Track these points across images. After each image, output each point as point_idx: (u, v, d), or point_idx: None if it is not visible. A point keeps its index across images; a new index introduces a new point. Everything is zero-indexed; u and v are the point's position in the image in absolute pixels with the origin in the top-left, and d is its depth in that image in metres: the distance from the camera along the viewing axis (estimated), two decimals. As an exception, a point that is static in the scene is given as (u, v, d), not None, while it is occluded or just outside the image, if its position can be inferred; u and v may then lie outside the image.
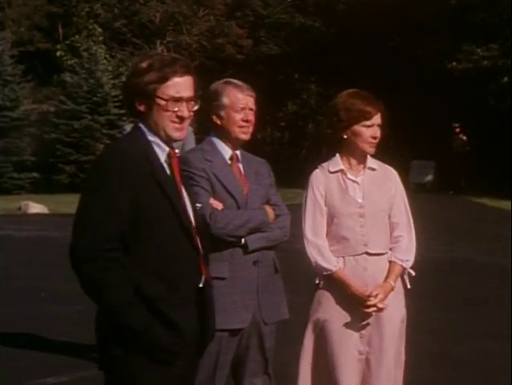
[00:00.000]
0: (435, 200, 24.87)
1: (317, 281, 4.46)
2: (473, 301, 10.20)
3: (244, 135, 4.29)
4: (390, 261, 4.50)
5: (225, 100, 4.25)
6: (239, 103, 4.25)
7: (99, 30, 37.20)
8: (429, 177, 31.15)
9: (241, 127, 4.27)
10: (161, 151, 3.30)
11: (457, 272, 12.44)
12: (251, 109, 4.30)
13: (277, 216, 4.35)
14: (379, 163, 4.62)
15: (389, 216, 4.53)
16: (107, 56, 34.72)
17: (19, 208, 22.93)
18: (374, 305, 4.36)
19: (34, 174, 30.60)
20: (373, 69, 32.45)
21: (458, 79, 30.85)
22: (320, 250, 4.43)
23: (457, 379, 6.81)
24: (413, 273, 4.55)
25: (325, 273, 4.42)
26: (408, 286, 4.55)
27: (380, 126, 4.51)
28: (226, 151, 4.32)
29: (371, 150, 4.52)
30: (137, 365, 3.18)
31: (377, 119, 4.48)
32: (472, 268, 13.00)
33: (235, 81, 4.35)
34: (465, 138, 30.92)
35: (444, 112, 32.22)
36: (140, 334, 3.12)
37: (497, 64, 30.17)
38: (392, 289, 4.42)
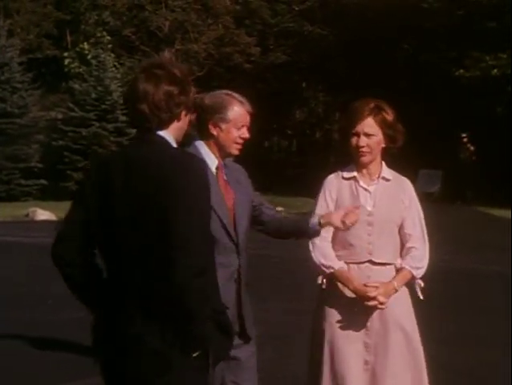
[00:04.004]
0: (442, 209, 24.83)
1: (319, 281, 4.46)
2: (476, 311, 10.19)
3: (237, 151, 4.33)
4: (398, 269, 4.47)
5: (230, 115, 4.24)
6: (241, 120, 4.27)
7: (108, 37, 37.28)
8: (437, 186, 31.08)
9: (237, 143, 4.29)
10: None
11: (462, 281, 12.43)
12: (248, 127, 4.34)
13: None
14: (396, 174, 4.58)
15: (403, 228, 4.49)
16: (115, 64, 34.81)
17: (27, 215, 23.00)
18: (375, 300, 4.31)
19: (42, 181, 30.67)
20: (381, 78, 32.46)
21: (466, 88, 30.82)
22: (325, 252, 4.43)
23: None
24: (422, 284, 4.50)
25: (328, 271, 4.41)
26: (421, 297, 4.50)
27: (369, 135, 4.38)
28: (213, 160, 4.28)
29: (361, 159, 4.45)
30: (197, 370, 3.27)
31: (361, 127, 4.39)
32: (477, 278, 12.98)
33: (237, 96, 4.34)
34: (472, 148, 30.89)
35: (451, 121, 32.20)
36: (210, 343, 3.24)
37: (505, 73, 30.12)
38: (396, 291, 4.38)
